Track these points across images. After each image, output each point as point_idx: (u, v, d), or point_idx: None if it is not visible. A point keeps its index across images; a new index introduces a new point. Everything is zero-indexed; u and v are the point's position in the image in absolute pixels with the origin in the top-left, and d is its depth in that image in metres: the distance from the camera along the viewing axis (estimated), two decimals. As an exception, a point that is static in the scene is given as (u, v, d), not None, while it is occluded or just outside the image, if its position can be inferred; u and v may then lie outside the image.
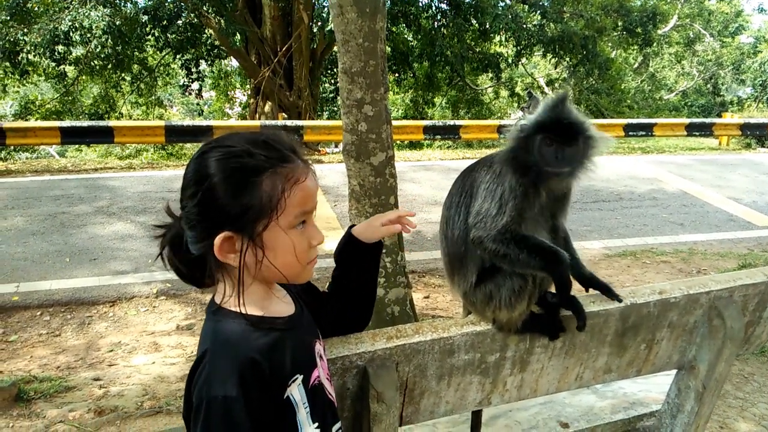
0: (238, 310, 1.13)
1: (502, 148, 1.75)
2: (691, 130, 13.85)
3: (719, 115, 18.25)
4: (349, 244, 1.49)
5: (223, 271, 1.15)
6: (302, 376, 1.17)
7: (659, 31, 19.67)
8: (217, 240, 1.08)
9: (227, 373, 1.04)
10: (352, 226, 1.53)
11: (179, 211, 1.17)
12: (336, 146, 14.68)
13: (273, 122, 11.44)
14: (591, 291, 1.87)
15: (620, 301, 1.81)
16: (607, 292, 1.83)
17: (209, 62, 16.95)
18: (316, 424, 1.19)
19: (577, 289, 1.79)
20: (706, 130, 14.14)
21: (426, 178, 9.54)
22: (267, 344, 1.11)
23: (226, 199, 1.07)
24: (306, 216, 1.15)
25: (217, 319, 1.14)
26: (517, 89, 19.98)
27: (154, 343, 4.45)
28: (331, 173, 9.55)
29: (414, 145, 17.23)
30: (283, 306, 1.23)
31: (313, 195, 1.16)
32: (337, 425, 1.28)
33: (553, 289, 1.77)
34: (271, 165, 1.10)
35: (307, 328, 1.28)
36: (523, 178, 1.65)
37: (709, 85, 27.96)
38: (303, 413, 1.15)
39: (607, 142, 1.68)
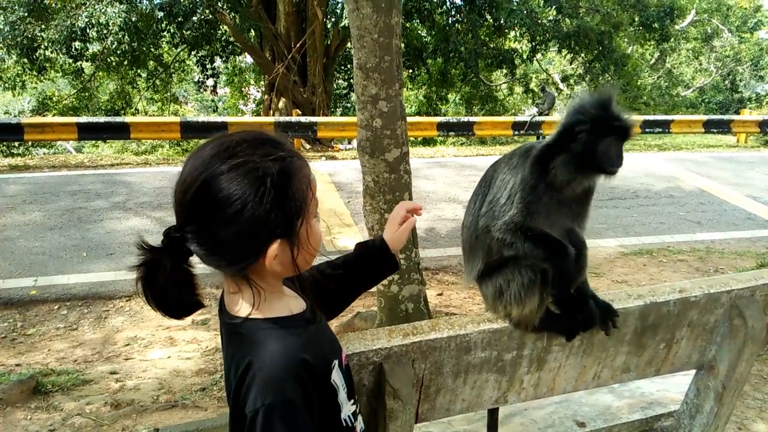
0: (268, 316, 1.13)
1: (524, 142, 1.75)
2: (709, 127, 13.69)
3: (737, 112, 18.01)
4: (381, 249, 1.53)
5: (244, 282, 1.13)
6: (337, 360, 1.21)
7: (676, 27, 19.42)
8: (271, 251, 1.08)
9: (282, 379, 1.05)
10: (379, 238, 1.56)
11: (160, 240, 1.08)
12: (349, 143, 14.69)
13: (287, 119, 11.48)
14: (601, 296, 1.84)
15: (610, 329, 1.79)
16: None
17: (224, 59, 17.05)
18: (352, 401, 1.24)
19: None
20: (724, 127, 13.99)
21: (440, 175, 9.51)
22: (307, 341, 1.13)
23: (271, 212, 1.05)
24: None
25: (249, 330, 1.12)
26: (532, 85, 19.79)
27: (169, 338, 4.48)
28: (344, 169, 9.56)
29: (427, 142, 17.20)
30: (296, 301, 1.24)
31: None
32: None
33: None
34: (292, 163, 1.09)
35: (321, 316, 1.31)
36: (540, 173, 1.65)
37: (726, 82, 27.53)
38: (342, 394, 1.20)
39: None
